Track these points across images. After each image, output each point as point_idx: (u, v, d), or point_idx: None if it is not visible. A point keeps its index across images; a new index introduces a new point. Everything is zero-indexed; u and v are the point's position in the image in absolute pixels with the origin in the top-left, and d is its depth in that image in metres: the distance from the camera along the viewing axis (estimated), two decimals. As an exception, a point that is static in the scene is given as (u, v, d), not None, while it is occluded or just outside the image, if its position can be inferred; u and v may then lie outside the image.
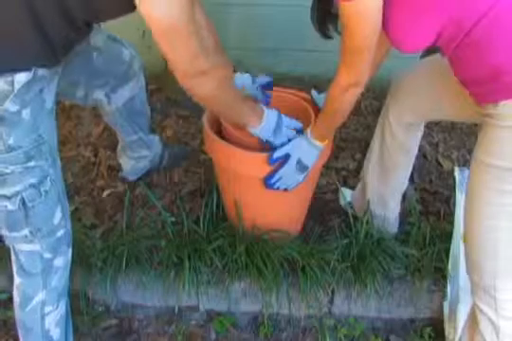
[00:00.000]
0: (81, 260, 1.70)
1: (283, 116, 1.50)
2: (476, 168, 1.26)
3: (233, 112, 1.40)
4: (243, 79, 1.60)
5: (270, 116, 1.46)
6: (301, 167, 1.50)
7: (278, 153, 1.47)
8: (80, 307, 1.70)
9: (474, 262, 1.33)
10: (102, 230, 1.85)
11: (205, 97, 1.27)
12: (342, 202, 1.95)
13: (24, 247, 1.34)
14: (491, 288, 1.29)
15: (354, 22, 1.14)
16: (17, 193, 1.23)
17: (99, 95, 1.64)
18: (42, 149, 1.24)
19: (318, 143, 1.48)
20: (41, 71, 1.17)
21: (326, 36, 1.36)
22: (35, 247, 1.33)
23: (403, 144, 1.65)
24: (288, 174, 1.50)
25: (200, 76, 1.18)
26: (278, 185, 1.52)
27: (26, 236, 1.30)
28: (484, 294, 1.31)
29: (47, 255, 1.36)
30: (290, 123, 1.51)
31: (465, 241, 1.37)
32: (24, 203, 1.25)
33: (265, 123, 1.45)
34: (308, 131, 1.49)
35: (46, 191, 1.27)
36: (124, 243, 1.75)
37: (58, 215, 1.34)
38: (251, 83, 1.62)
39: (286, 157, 1.48)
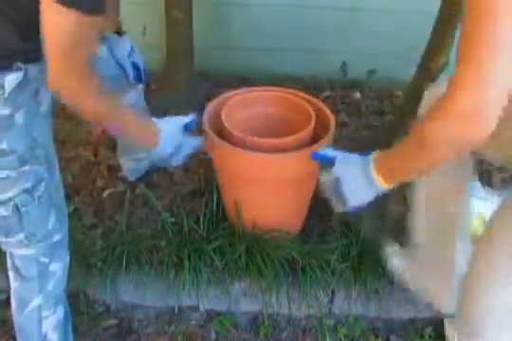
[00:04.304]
0: (80, 260, 1.70)
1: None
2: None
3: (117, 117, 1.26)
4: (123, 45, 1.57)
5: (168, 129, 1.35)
6: (338, 192, 1.16)
7: (322, 152, 1.26)
8: (80, 307, 1.69)
9: (468, 319, 1.26)
10: (102, 230, 1.85)
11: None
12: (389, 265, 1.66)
13: (19, 252, 1.33)
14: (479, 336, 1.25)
15: None
16: (11, 198, 1.21)
17: None
18: (36, 153, 1.21)
19: (377, 179, 1.07)
20: (31, 70, 1.14)
21: None
22: (31, 252, 1.32)
23: None
24: (328, 182, 1.20)
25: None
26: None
27: (21, 241, 1.29)
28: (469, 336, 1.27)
29: (43, 259, 1.34)
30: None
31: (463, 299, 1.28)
32: (17, 208, 1.23)
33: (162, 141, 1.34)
34: (373, 155, 1.11)
35: (40, 196, 1.25)
36: (124, 243, 1.75)
37: (52, 220, 1.32)
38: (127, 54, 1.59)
39: (330, 163, 1.20)
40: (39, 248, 1.32)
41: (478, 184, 1.88)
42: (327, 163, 1.22)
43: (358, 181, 1.10)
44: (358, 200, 1.14)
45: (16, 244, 1.31)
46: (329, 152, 1.23)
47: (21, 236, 1.28)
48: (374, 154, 1.10)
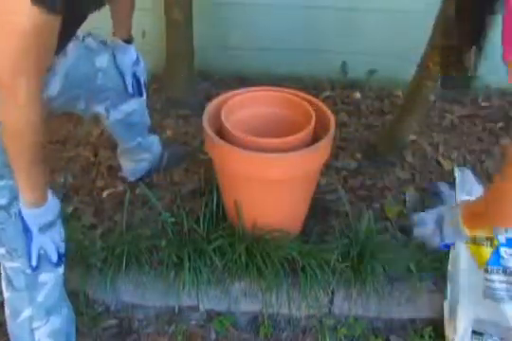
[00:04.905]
0: (80, 261, 1.70)
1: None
2: None
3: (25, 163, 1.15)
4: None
5: (52, 204, 1.25)
6: (439, 227, 1.24)
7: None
8: (79, 307, 1.69)
9: None
10: (102, 230, 1.85)
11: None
12: None
13: (6, 264, 1.32)
14: None
15: None
16: None
17: (99, 108, 1.66)
18: (11, 167, 1.15)
19: (463, 227, 1.16)
20: None
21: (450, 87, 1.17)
22: (16, 264, 1.30)
23: None
24: (427, 220, 1.28)
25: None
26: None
27: (3, 255, 1.28)
28: None
29: (30, 271, 1.31)
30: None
31: None
32: None
33: (43, 209, 1.22)
34: (462, 204, 1.21)
35: (16, 213, 1.21)
36: (124, 243, 1.75)
37: None
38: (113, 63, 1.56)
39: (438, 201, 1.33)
40: (23, 262, 1.29)
41: None
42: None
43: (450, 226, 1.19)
44: (451, 240, 1.24)
45: (0, 258, 1.30)
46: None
47: (2, 250, 1.27)
48: (465, 203, 1.18)
